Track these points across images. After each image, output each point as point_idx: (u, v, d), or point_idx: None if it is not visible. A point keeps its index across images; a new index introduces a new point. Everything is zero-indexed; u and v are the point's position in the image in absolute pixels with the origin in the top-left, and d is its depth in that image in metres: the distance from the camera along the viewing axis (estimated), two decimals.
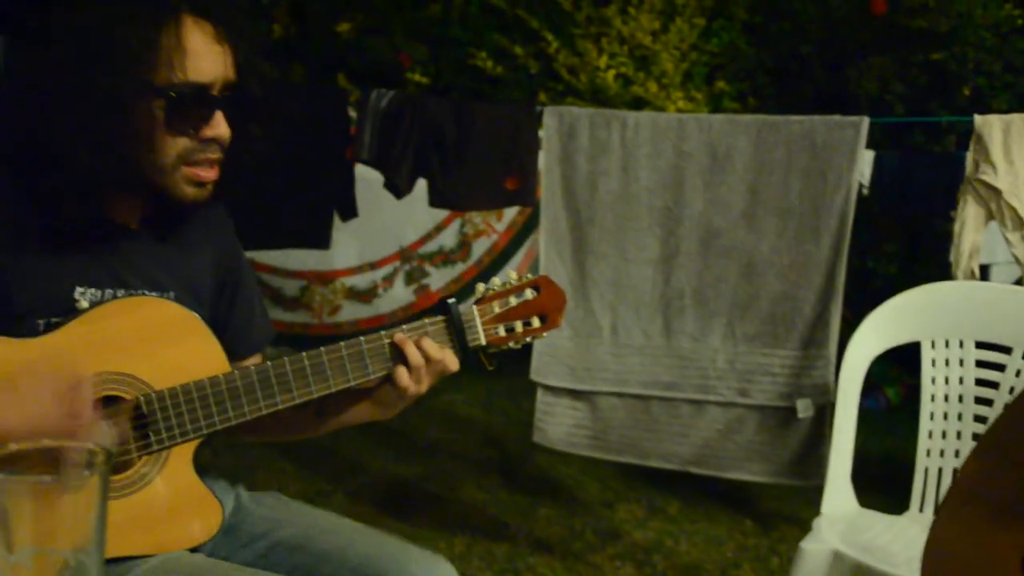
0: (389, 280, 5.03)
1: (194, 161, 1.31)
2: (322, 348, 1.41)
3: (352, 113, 3.27)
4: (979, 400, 2.15)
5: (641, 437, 3.05)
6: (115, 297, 1.35)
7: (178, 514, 1.36)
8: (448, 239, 5.01)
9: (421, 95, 4.17)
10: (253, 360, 1.56)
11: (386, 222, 4.70)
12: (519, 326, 1.51)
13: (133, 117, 1.26)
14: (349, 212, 3.40)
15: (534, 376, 3.10)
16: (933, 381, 2.18)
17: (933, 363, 2.18)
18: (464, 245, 5.01)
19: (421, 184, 3.23)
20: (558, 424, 3.12)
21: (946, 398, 2.16)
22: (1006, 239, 2.78)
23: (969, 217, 2.81)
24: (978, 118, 2.79)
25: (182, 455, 1.36)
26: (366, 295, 5.03)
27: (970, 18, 4.99)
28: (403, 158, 3.14)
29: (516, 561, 3.08)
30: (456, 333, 1.46)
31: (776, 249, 2.89)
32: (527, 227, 4.86)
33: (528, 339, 1.53)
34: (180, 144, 1.29)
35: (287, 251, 4.42)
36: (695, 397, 2.99)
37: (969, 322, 2.16)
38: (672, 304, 3.00)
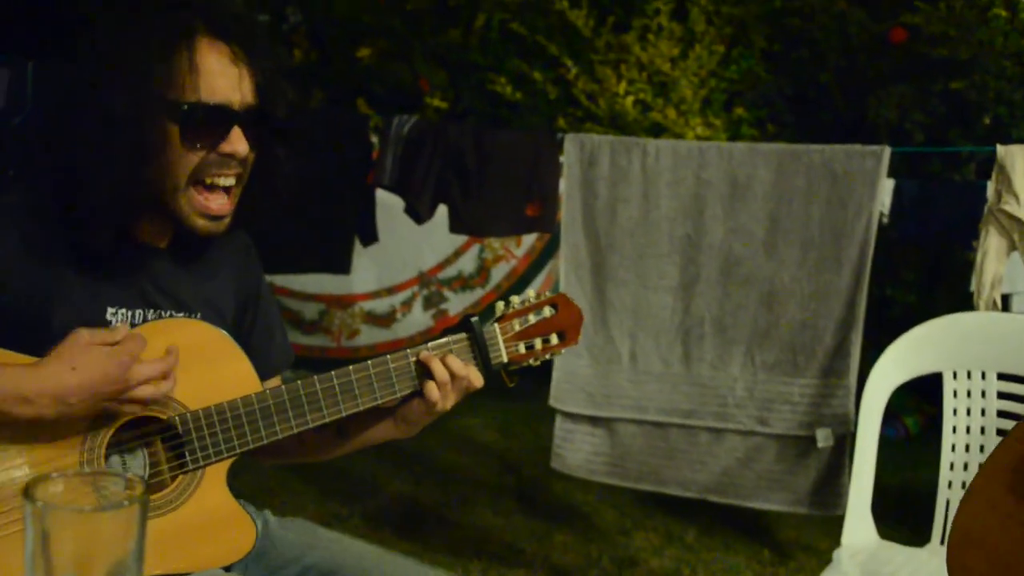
0: (408, 305, 5.04)
1: (207, 180, 1.33)
2: (349, 367, 1.42)
3: (373, 138, 3.31)
4: (1000, 432, 2.13)
5: (659, 464, 3.05)
6: (145, 319, 1.38)
7: (213, 533, 1.38)
8: (467, 264, 5.02)
9: (442, 122, 4.20)
10: (272, 383, 1.57)
11: (405, 247, 4.73)
12: (539, 343, 1.54)
13: (149, 135, 1.28)
14: (369, 237, 3.42)
15: (553, 403, 3.09)
16: (955, 412, 2.17)
17: (955, 394, 2.17)
18: (483, 270, 5.02)
19: (440, 209, 3.25)
20: (577, 451, 3.11)
21: (968, 430, 2.15)
22: None
23: (991, 247, 2.80)
24: (1000, 148, 2.79)
25: (216, 474, 1.38)
26: (385, 319, 5.04)
27: (991, 47, 4.97)
28: (424, 184, 3.17)
29: None
30: (479, 350, 1.48)
31: (796, 278, 2.89)
32: (546, 252, 4.87)
33: (547, 356, 1.56)
34: (195, 160, 1.31)
35: (307, 275, 4.44)
36: (714, 425, 2.98)
37: (991, 353, 2.15)
38: (691, 332, 3.00)
